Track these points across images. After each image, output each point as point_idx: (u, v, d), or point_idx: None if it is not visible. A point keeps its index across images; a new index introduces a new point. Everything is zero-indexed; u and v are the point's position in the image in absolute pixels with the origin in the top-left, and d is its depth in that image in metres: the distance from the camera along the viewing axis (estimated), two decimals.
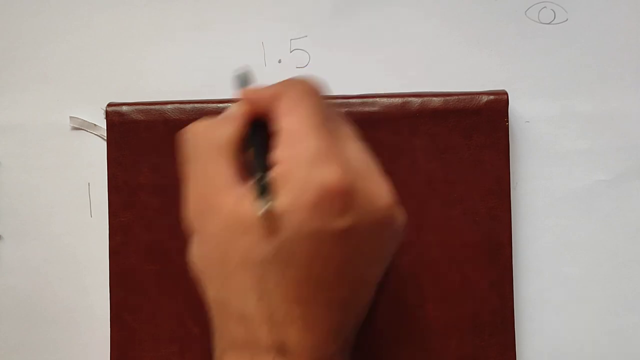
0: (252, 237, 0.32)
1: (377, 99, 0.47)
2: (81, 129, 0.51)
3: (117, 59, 0.51)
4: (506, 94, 0.47)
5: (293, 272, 0.32)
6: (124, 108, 0.48)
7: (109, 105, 0.48)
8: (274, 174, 0.32)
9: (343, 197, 0.31)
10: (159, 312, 0.48)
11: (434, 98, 0.47)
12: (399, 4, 0.50)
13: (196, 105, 0.48)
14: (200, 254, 0.35)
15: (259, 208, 0.31)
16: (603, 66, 0.49)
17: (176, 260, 0.48)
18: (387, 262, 0.36)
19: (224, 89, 0.50)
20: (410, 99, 0.47)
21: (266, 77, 0.50)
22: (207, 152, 0.35)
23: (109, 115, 0.48)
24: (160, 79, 0.51)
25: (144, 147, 0.48)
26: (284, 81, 0.36)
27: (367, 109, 0.47)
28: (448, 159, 0.47)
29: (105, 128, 0.48)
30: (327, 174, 0.31)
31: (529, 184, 0.49)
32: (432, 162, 0.47)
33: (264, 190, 0.32)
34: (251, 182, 0.33)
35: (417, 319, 0.47)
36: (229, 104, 0.47)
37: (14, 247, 0.51)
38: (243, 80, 0.40)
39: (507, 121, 0.47)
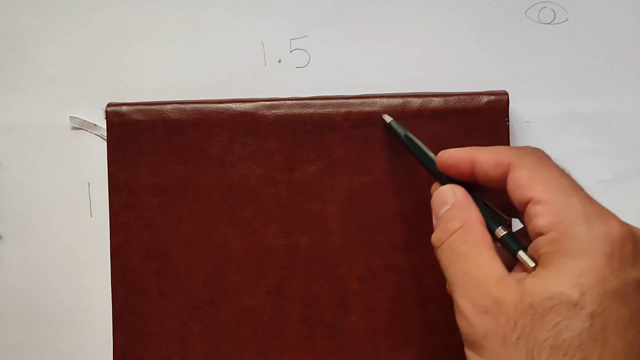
0: (556, 317, 0.29)
1: (377, 99, 0.47)
2: (81, 129, 0.51)
3: (117, 59, 0.51)
4: (506, 94, 0.47)
5: (614, 343, 0.29)
6: (124, 108, 0.48)
7: (109, 105, 0.48)
8: (546, 244, 0.31)
9: (631, 245, 0.30)
10: (160, 312, 0.48)
11: (434, 98, 0.47)
12: (399, 4, 0.50)
13: (196, 105, 0.48)
14: None
15: (555, 284, 0.30)
16: (603, 66, 0.49)
17: (177, 260, 0.48)
18: None
19: (224, 89, 0.50)
20: (410, 99, 0.47)
21: (266, 76, 0.51)
22: (465, 252, 0.34)
23: (109, 116, 0.48)
24: (160, 79, 0.51)
25: (144, 147, 0.48)
26: (503, 150, 0.36)
27: (367, 109, 0.47)
28: None
29: (105, 128, 0.48)
30: (608, 227, 0.30)
31: None
32: None
33: (535, 263, 0.32)
34: (524, 259, 0.33)
35: (417, 320, 0.47)
36: (230, 104, 0.48)
37: (14, 247, 0.51)
38: (396, 127, 0.44)
39: (508, 121, 0.47)
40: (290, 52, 0.51)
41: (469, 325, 0.32)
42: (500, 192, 0.35)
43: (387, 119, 0.45)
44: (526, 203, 0.32)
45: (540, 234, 0.32)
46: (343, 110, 0.47)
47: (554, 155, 0.49)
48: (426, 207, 0.47)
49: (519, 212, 0.34)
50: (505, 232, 0.35)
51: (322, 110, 0.47)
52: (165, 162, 0.48)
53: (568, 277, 0.30)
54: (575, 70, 0.49)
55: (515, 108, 0.49)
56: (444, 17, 0.50)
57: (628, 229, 0.31)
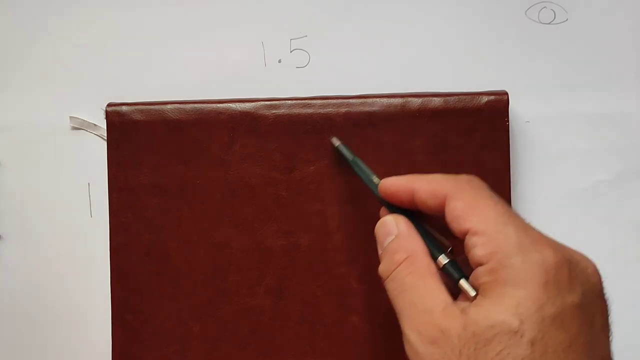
0: (498, 345, 0.30)
1: (377, 99, 0.47)
2: (81, 129, 0.51)
3: (118, 59, 0.51)
4: (506, 94, 0.47)
5: None
6: (124, 108, 0.48)
7: (109, 105, 0.48)
8: (485, 274, 0.32)
9: (566, 271, 0.31)
10: (159, 312, 0.48)
11: (434, 98, 0.47)
12: (399, 5, 0.50)
13: (196, 105, 0.48)
14: None
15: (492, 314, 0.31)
16: (603, 66, 0.49)
17: (176, 260, 0.48)
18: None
19: (224, 89, 0.50)
20: (410, 99, 0.47)
21: (266, 77, 0.51)
22: (411, 282, 0.35)
23: (108, 116, 0.48)
24: (160, 79, 0.51)
25: (144, 147, 0.48)
26: (440, 179, 0.37)
27: (367, 109, 0.47)
28: (448, 159, 0.47)
29: (105, 128, 0.48)
30: (543, 255, 0.31)
31: (529, 184, 0.49)
32: (432, 162, 0.47)
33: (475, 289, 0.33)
34: (465, 288, 0.33)
35: None
36: (230, 104, 0.48)
37: (14, 246, 0.51)
38: (344, 151, 0.45)
39: (508, 121, 0.47)
40: (290, 52, 0.51)
41: (416, 355, 0.33)
42: (442, 218, 0.35)
43: (335, 142, 0.46)
44: (464, 233, 0.33)
45: (480, 264, 0.32)
46: (343, 110, 0.47)
47: (553, 156, 0.49)
48: None
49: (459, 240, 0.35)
50: (448, 260, 0.35)
51: (322, 110, 0.47)
52: (165, 162, 0.48)
53: (507, 306, 0.30)
54: (576, 70, 0.49)
55: (515, 108, 0.49)
56: (444, 18, 0.50)
57: (562, 255, 0.31)
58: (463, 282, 0.34)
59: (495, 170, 0.47)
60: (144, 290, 0.48)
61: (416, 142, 0.47)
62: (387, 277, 0.36)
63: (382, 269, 0.37)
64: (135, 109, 0.48)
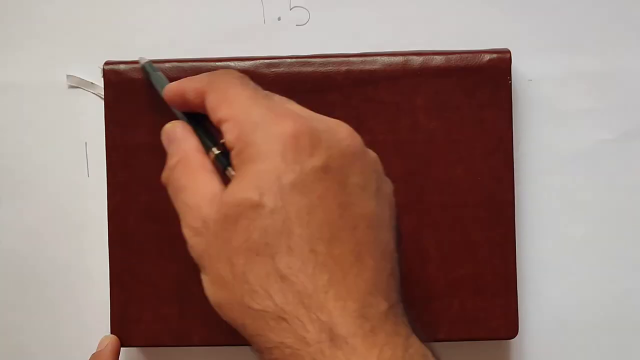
0: (245, 220, 0.31)
1: (378, 57, 0.47)
2: (78, 88, 0.50)
3: (115, 16, 0.51)
4: (509, 52, 0.47)
5: (299, 232, 0.30)
6: (122, 66, 0.47)
7: (106, 63, 0.48)
8: (234, 158, 0.33)
9: (306, 138, 0.32)
10: (158, 273, 0.47)
11: (436, 56, 0.47)
12: None
13: (194, 63, 0.47)
14: (213, 279, 0.33)
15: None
16: (607, 24, 0.49)
17: (175, 221, 0.47)
18: (385, 201, 0.35)
19: (222, 47, 0.49)
20: (411, 57, 0.47)
21: (265, 35, 0.50)
22: (184, 183, 0.36)
23: (106, 74, 0.47)
24: (158, 37, 0.50)
25: (142, 106, 0.47)
26: (202, 77, 0.38)
27: (367, 67, 0.47)
28: (450, 118, 0.46)
29: (103, 87, 0.48)
30: (282, 127, 0.32)
31: (532, 143, 0.49)
32: (433, 121, 0.46)
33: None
34: (230, 175, 0.34)
35: (418, 280, 0.46)
36: (228, 62, 0.47)
37: (10, 207, 0.51)
38: (149, 70, 0.46)
39: (510, 80, 0.46)
40: (290, 9, 0.50)
41: (190, 249, 0.34)
42: None
43: (142, 60, 0.47)
44: (220, 124, 0.34)
45: (232, 149, 0.33)
46: (343, 68, 0.47)
47: (556, 115, 0.49)
48: (427, 167, 0.47)
49: None
50: (218, 152, 0.36)
51: (322, 69, 0.47)
52: (163, 122, 0.46)
53: (249, 182, 0.31)
54: (579, 28, 0.49)
55: (518, 66, 0.48)
56: None
57: (303, 123, 0.32)
58: (229, 170, 0.35)
59: (497, 129, 0.46)
60: (142, 250, 0.47)
61: (417, 100, 0.46)
62: (166, 183, 0.37)
63: (162, 176, 0.37)
64: (133, 68, 0.47)
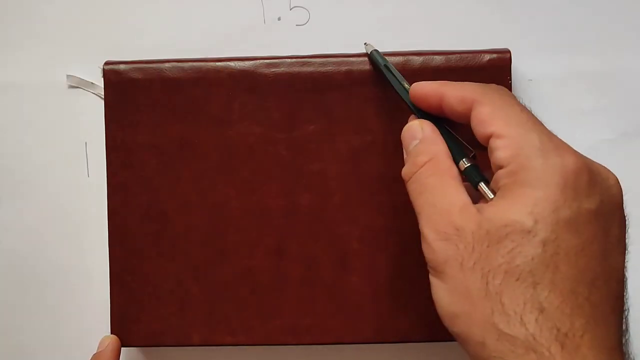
0: (510, 243, 0.31)
1: None
2: (78, 88, 0.50)
3: (115, 16, 0.51)
4: (509, 52, 0.46)
5: (565, 269, 0.30)
6: (122, 66, 0.47)
7: (106, 63, 0.48)
8: (505, 176, 0.32)
9: (586, 176, 0.31)
10: (158, 272, 0.47)
11: (436, 56, 0.46)
12: None
13: (194, 63, 0.47)
14: (455, 288, 0.32)
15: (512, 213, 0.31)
16: (607, 24, 0.49)
17: (175, 220, 0.47)
18: (625, 258, 0.34)
19: (223, 47, 0.49)
20: (411, 57, 0.47)
21: (266, 35, 0.50)
22: (432, 183, 0.35)
23: (106, 74, 0.47)
24: (158, 37, 0.50)
25: (142, 105, 0.47)
26: (472, 87, 0.37)
27: (368, 67, 0.46)
28: None
29: (103, 86, 0.48)
30: (564, 159, 0.31)
31: None
32: None
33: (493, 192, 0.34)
34: (484, 190, 0.34)
35: (418, 280, 0.46)
36: (228, 62, 0.47)
37: (10, 208, 0.51)
38: (376, 57, 0.45)
39: (510, 79, 0.46)
40: (290, 9, 0.50)
41: (431, 252, 0.33)
42: (468, 126, 0.36)
43: (369, 48, 0.46)
44: (488, 138, 0.34)
45: (501, 167, 0.33)
46: (344, 68, 0.47)
47: (556, 114, 0.49)
48: None
49: (483, 146, 0.35)
50: (469, 164, 0.36)
51: (322, 69, 0.47)
52: (163, 121, 0.47)
53: (523, 206, 0.31)
54: (579, 28, 0.49)
55: (518, 66, 0.48)
56: None
57: (584, 161, 0.32)
58: (482, 185, 0.34)
59: None
60: (142, 250, 0.47)
61: None
62: (409, 179, 0.37)
63: (405, 171, 0.37)
64: (133, 68, 0.47)
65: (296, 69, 0.47)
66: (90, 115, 0.50)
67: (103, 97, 0.48)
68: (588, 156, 0.48)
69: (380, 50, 0.46)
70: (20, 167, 0.51)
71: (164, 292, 0.47)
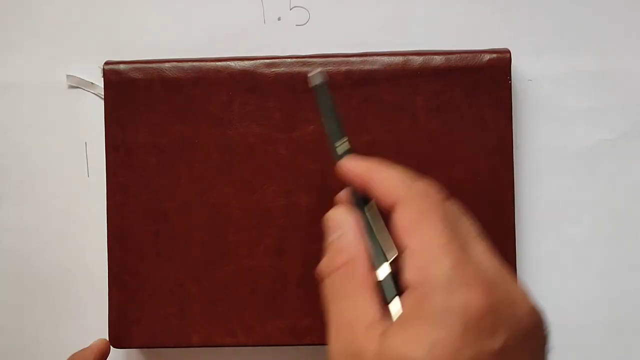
0: None
1: (378, 57, 0.47)
2: (78, 88, 0.50)
3: (115, 16, 0.51)
4: (509, 52, 0.46)
5: None
6: (122, 66, 0.47)
7: (106, 63, 0.48)
8: (409, 301, 0.31)
9: (490, 317, 0.30)
10: (157, 273, 0.47)
11: (436, 56, 0.47)
12: None
13: (194, 63, 0.47)
14: None
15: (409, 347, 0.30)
16: (607, 24, 0.49)
17: (174, 221, 0.47)
18: None
19: (223, 47, 0.49)
20: (411, 57, 0.47)
21: (265, 35, 0.50)
22: (345, 292, 0.34)
23: (106, 74, 0.47)
24: (158, 37, 0.50)
25: (142, 105, 0.47)
26: (398, 181, 0.35)
27: (367, 67, 0.47)
28: (450, 118, 0.46)
29: (103, 87, 0.48)
30: (469, 298, 0.30)
31: (532, 142, 0.49)
32: (433, 121, 0.46)
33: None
34: (392, 313, 0.32)
35: None
36: (228, 62, 0.47)
37: (11, 207, 0.51)
38: (321, 88, 0.39)
39: (510, 79, 0.46)
40: (290, 9, 0.50)
41: None
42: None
43: (316, 79, 0.38)
44: (404, 248, 0.32)
45: (408, 287, 0.31)
46: (343, 68, 0.47)
47: (556, 114, 0.49)
48: (427, 167, 0.46)
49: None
50: (388, 273, 0.33)
51: (322, 69, 0.47)
52: (163, 121, 0.47)
53: (422, 345, 0.29)
54: (579, 28, 0.49)
55: (518, 66, 0.48)
56: None
57: (492, 298, 0.30)
58: (391, 306, 0.32)
59: (497, 129, 0.46)
60: (141, 250, 0.47)
61: (417, 100, 0.46)
62: (323, 280, 0.35)
63: (322, 267, 0.35)
64: (133, 67, 0.47)
65: (296, 69, 0.47)
66: (90, 115, 0.50)
67: (103, 97, 0.48)
68: (588, 156, 0.48)
69: (380, 50, 0.46)
70: (20, 167, 0.51)
71: (163, 293, 0.47)
